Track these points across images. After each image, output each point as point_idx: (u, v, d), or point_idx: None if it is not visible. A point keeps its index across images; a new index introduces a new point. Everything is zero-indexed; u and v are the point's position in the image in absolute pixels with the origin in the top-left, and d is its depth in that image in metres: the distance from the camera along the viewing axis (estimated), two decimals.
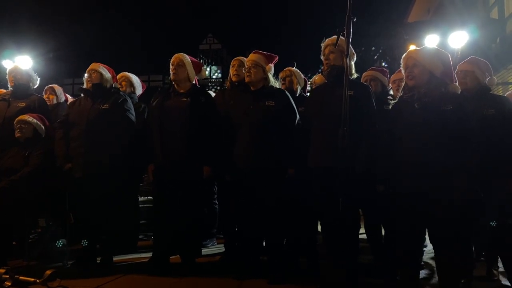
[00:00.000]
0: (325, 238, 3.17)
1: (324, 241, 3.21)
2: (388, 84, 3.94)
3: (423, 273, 3.44)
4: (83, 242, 3.66)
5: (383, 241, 3.56)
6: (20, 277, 3.05)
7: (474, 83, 3.24)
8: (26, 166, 3.72)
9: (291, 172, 3.33)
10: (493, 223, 3.07)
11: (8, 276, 2.96)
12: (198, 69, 3.76)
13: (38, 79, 4.42)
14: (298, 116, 3.42)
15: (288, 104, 3.42)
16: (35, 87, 4.38)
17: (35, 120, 3.90)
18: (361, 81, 3.81)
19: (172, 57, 3.68)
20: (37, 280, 3.03)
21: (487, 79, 3.29)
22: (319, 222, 3.64)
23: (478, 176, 2.65)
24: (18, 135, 3.84)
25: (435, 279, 2.92)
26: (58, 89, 5.22)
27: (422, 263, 3.65)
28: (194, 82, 3.79)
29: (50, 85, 5.20)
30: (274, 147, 3.32)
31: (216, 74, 40.77)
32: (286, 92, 3.55)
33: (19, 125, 3.85)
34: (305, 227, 3.73)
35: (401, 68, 2.90)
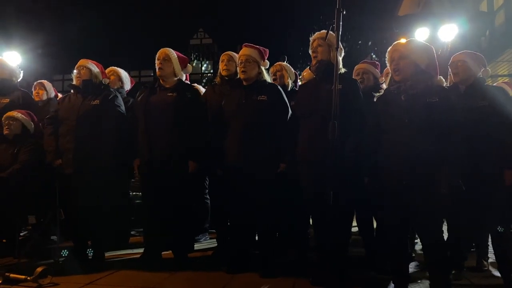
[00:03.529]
0: (316, 231, 3.18)
1: (315, 234, 3.22)
2: (381, 77, 3.95)
3: (413, 265, 3.47)
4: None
5: (374, 234, 3.58)
6: (11, 275, 3.03)
7: (467, 73, 3.22)
8: (15, 163, 3.68)
9: (282, 166, 3.33)
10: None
11: None
12: (184, 64, 3.74)
13: (21, 71, 4.36)
14: (290, 111, 3.42)
15: (281, 98, 3.42)
16: (18, 80, 4.32)
17: (23, 117, 3.86)
18: (353, 74, 3.81)
19: (158, 52, 3.65)
20: (28, 278, 3.01)
21: (482, 70, 3.29)
22: (310, 216, 3.66)
23: (465, 169, 2.66)
24: (6, 131, 3.80)
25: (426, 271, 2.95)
26: (48, 84, 5.17)
27: (413, 254, 3.69)
28: (181, 77, 3.76)
29: (40, 81, 5.14)
30: (266, 142, 3.31)
31: (208, 69, 40.59)
32: (278, 87, 3.54)
33: (7, 122, 3.81)
34: (297, 221, 3.75)
35: (386, 62, 2.90)
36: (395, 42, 2.88)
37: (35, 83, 5.13)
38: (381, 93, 3.08)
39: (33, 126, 3.90)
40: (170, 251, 3.67)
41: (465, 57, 3.27)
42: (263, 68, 3.52)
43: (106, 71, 4.34)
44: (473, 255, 3.55)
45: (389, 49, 2.85)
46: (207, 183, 4.42)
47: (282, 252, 3.70)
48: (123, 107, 3.77)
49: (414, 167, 2.56)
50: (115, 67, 4.57)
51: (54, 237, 4.20)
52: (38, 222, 3.84)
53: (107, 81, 3.92)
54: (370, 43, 18.79)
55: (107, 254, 3.81)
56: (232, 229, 3.63)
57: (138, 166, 3.61)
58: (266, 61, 3.58)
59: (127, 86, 4.64)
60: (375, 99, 3.37)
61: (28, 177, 3.68)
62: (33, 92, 4.95)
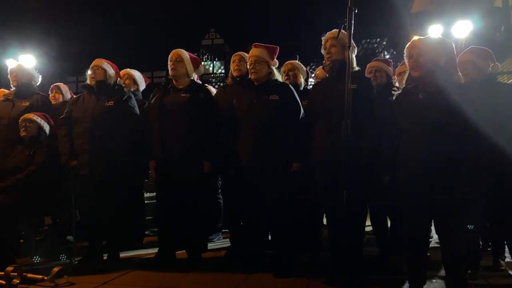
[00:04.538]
0: (330, 231, 3.17)
1: (329, 234, 3.21)
2: (393, 75, 3.91)
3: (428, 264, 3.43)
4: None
5: (388, 233, 3.55)
6: (28, 275, 3.08)
7: (476, 72, 3.19)
8: (32, 164, 3.73)
9: (295, 166, 3.33)
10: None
11: (16, 273, 2.99)
12: (196, 64, 3.75)
13: (40, 76, 4.42)
14: (302, 110, 3.41)
15: (292, 98, 3.41)
16: (37, 84, 4.38)
17: (39, 119, 3.92)
18: (366, 72, 3.78)
19: (170, 53, 3.67)
20: (45, 277, 3.06)
21: (491, 65, 3.24)
22: (324, 216, 3.64)
23: (485, 167, 2.63)
24: (23, 133, 3.86)
25: (442, 270, 2.92)
26: (64, 87, 5.22)
27: (429, 254, 3.65)
28: (193, 78, 3.78)
29: (56, 84, 5.20)
30: (279, 142, 3.31)
31: (219, 70, 40.67)
32: (290, 86, 3.53)
33: (24, 124, 3.87)
34: (311, 221, 3.74)
35: (404, 58, 2.87)
36: (413, 38, 2.84)
37: (52, 86, 5.18)
38: (399, 92, 3.04)
39: (49, 128, 3.95)
40: (184, 251, 3.69)
41: (473, 57, 3.23)
42: (273, 68, 3.52)
43: (120, 74, 4.39)
44: (489, 254, 3.50)
45: (407, 45, 2.81)
46: (220, 183, 4.43)
47: (296, 252, 3.69)
48: (137, 109, 3.80)
49: (433, 166, 2.53)
50: (129, 69, 4.60)
51: (70, 238, 4.26)
52: (54, 223, 3.89)
53: (121, 81, 3.96)
54: (378, 39, 18.70)
55: (121, 254, 3.84)
56: (245, 229, 3.64)
57: (153, 166, 3.63)
58: (275, 60, 3.56)
59: (142, 86, 4.69)
60: (393, 98, 3.34)
61: (44, 178, 3.72)
62: (50, 95, 5.02)
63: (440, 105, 2.56)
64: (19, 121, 3.90)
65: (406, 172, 2.68)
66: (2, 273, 2.99)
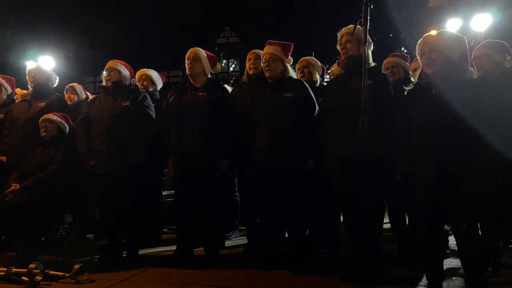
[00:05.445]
0: (347, 228, 3.15)
1: (345, 231, 3.20)
2: (410, 71, 3.86)
3: (448, 262, 3.39)
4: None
5: (407, 230, 3.52)
6: (50, 272, 3.14)
7: (492, 66, 3.12)
8: (52, 164, 3.80)
9: (311, 163, 3.32)
10: None
11: (38, 270, 3.05)
12: (213, 62, 3.77)
13: (57, 78, 4.49)
14: (317, 107, 3.40)
15: (307, 95, 3.40)
16: (54, 86, 4.45)
17: (59, 119, 3.98)
18: (383, 68, 3.75)
19: (188, 52, 3.69)
20: (66, 274, 3.12)
21: (508, 58, 3.17)
22: (341, 213, 3.63)
23: (501, 164, 2.58)
24: (43, 134, 3.93)
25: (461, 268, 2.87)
26: (79, 87, 5.30)
27: (448, 251, 3.60)
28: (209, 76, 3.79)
29: (71, 84, 5.28)
30: (294, 139, 3.31)
31: (233, 67, 40.73)
32: (305, 83, 3.52)
33: (44, 124, 3.94)
34: (327, 218, 3.73)
35: (416, 55, 2.83)
36: (425, 35, 2.81)
37: (66, 86, 5.26)
38: (411, 87, 3.00)
39: (68, 128, 4.02)
40: (202, 248, 3.72)
41: (488, 50, 3.17)
42: (287, 65, 3.51)
43: (138, 75, 4.43)
44: (510, 251, 3.44)
45: (419, 41, 2.78)
46: (236, 180, 4.45)
47: (313, 249, 3.68)
48: (152, 108, 3.83)
49: (446, 164, 2.49)
50: (145, 70, 4.64)
51: (90, 236, 4.33)
52: (74, 221, 3.96)
53: (135, 81, 3.99)
54: (391, 35, 18.43)
55: (140, 252, 3.89)
56: (262, 226, 3.64)
57: (172, 165, 3.65)
58: (290, 57, 3.56)
59: (160, 86, 4.73)
60: (405, 93, 3.30)
61: (64, 177, 3.79)
62: (65, 96, 5.10)
63: (454, 102, 2.53)
64: (39, 121, 3.97)
65: (418, 171, 2.65)
66: (25, 270, 3.06)
